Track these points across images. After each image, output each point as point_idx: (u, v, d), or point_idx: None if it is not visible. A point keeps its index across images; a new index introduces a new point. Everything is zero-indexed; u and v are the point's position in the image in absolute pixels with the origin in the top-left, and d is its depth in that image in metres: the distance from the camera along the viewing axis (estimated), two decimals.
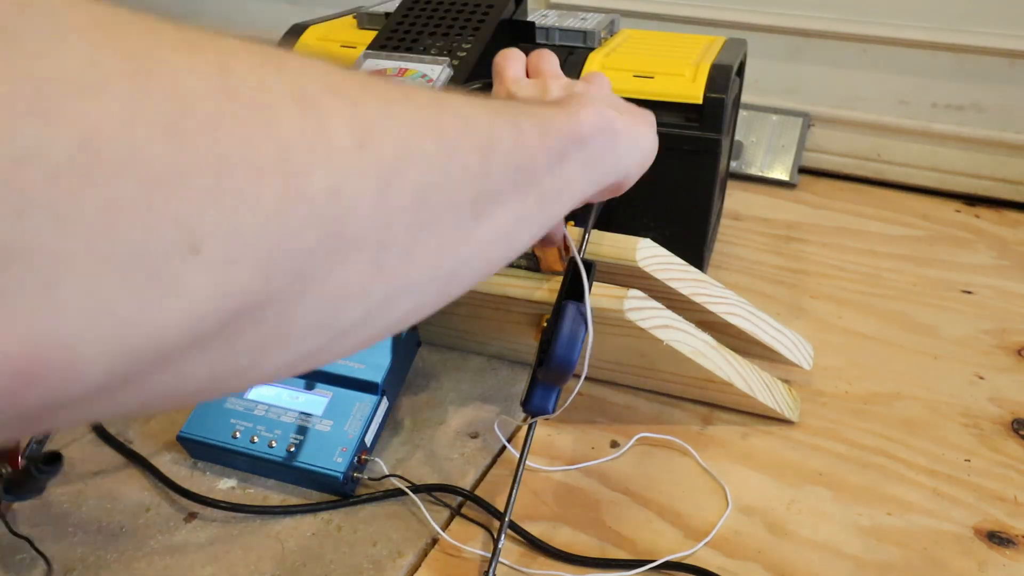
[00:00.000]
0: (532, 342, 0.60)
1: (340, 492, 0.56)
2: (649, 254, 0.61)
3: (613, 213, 0.73)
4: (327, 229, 0.22)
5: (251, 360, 0.23)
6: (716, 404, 0.66)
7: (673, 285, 0.63)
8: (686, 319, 0.61)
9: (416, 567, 0.52)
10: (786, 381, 0.68)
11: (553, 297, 0.56)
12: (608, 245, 0.60)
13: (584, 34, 0.78)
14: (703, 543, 0.53)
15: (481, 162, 0.29)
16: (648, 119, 0.48)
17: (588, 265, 0.51)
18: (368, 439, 0.58)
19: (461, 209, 0.28)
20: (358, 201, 0.23)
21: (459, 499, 0.56)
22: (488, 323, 0.65)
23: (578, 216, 0.52)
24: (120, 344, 0.18)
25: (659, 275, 0.62)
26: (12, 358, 0.16)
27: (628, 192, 0.71)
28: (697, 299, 0.65)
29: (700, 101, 0.73)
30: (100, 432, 0.62)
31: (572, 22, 0.80)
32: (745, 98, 1.04)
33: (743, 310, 0.69)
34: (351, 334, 0.26)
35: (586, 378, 0.69)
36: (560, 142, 0.35)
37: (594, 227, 0.56)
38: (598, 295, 0.56)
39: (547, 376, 0.51)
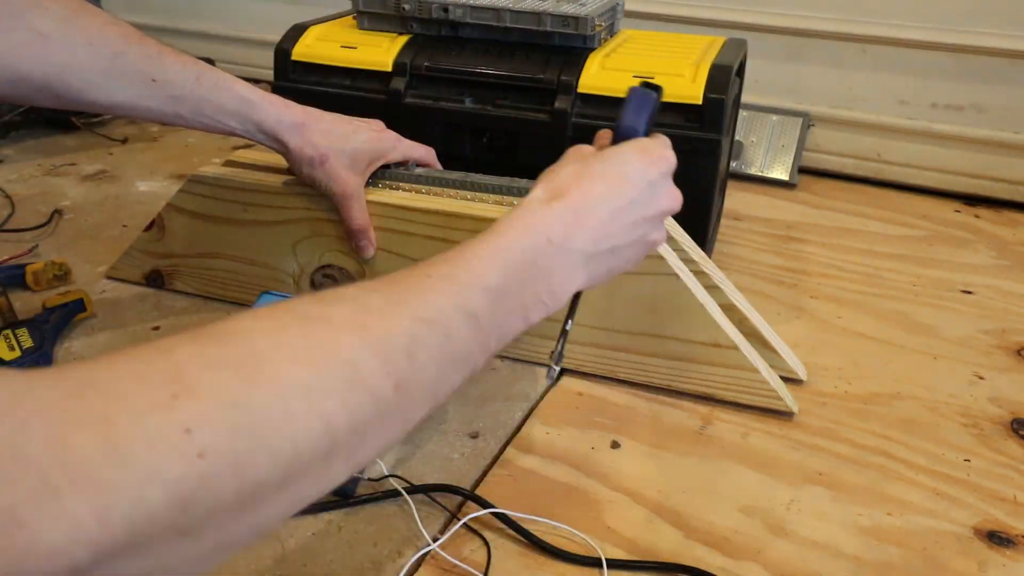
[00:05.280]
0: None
1: (340, 492, 0.56)
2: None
3: None
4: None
5: None
6: (716, 398, 0.66)
7: (686, 250, 0.67)
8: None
9: (417, 567, 0.52)
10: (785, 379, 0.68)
11: None
12: None
13: (584, 37, 0.78)
14: (703, 543, 0.54)
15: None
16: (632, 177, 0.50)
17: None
18: None
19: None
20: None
21: (459, 499, 0.57)
22: None
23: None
24: None
25: (676, 236, 0.66)
26: None
27: None
28: (706, 268, 0.67)
29: (700, 101, 0.73)
30: None
31: (568, 7, 0.79)
32: (745, 98, 1.04)
33: (744, 303, 0.69)
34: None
35: (588, 375, 0.69)
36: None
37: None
38: None
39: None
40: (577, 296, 0.55)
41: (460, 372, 0.38)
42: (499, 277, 0.41)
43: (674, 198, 0.53)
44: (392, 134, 0.72)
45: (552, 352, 0.52)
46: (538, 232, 0.44)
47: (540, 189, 0.47)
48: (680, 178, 0.76)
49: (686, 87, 0.74)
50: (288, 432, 0.29)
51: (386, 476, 0.58)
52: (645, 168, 0.50)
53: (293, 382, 0.30)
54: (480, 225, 0.67)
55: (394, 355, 0.34)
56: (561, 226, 0.44)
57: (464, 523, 0.54)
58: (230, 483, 0.27)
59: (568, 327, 0.53)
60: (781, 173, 1.12)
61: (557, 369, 0.52)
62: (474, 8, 0.80)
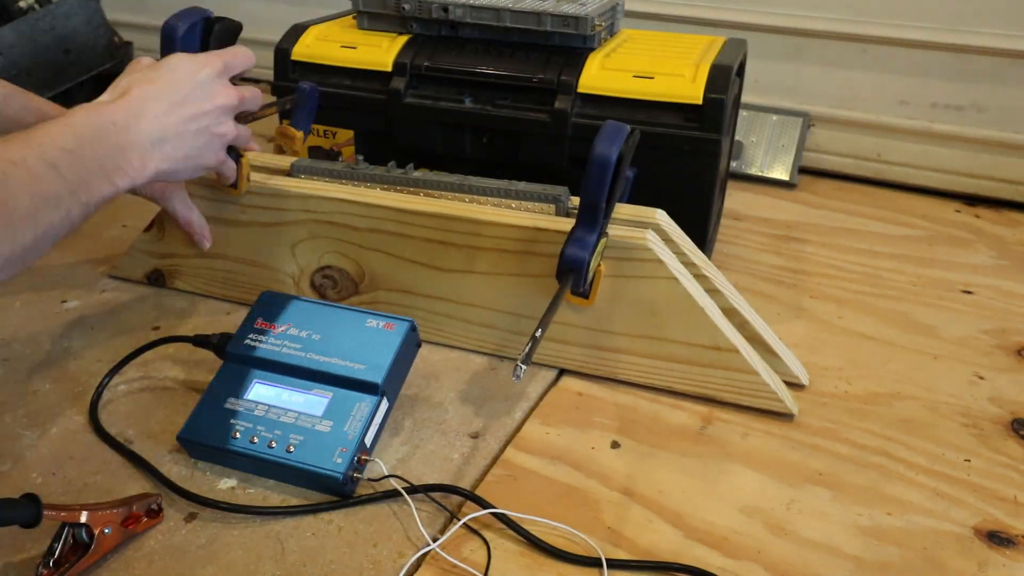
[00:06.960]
0: (541, 300, 0.63)
1: (340, 492, 0.56)
2: (665, 221, 0.67)
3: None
4: None
5: None
6: (716, 399, 0.66)
7: (687, 253, 0.68)
8: None
9: (417, 567, 0.52)
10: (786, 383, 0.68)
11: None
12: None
13: (584, 37, 0.78)
14: (703, 543, 0.54)
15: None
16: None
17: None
18: (368, 439, 0.58)
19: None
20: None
21: (459, 499, 0.57)
22: (508, 279, 0.68)
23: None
24: None
25: (676, 239, 0.67)
26: None
27: (630, 192, 0.72)
28: (708, 271, 0.67)
29: (700, 101, 0.73)
30: (100, 432, 0.62)
31: (568, 7, 0.79)
32: (745, 98, 1.04)
33: (745, 307, 0.69)
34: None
35: (588, 375, 0.69)
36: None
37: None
38: (619, 232, 0.64)
39: (584, 195, 0.57)
40: (551, 308, 0.58)
41: (54, 212, 0.49)
42: (72, 142, 0.51)
43: (229, 95, 0.61)
44: None
45: (521, 353, 0.54)
46: (103, 116, 0.54)
47: (107, 94, 0.56)
48: (680, 178, 0.76)
49: (686, 87, 0.74)
50: None
51: (386, 476, 0.58)
52: (194, 70, 0.59)
53: None
54: (477, 227, 0.67)
55: None
56: (123, 114, 0.54)
57: (464, 523, 0.54)
58: None
59: (538, 335, 0.55)
60: (781, 173, 1.12)
61: (523, 368, 0.53)
62: (474, 8, 0.80)
